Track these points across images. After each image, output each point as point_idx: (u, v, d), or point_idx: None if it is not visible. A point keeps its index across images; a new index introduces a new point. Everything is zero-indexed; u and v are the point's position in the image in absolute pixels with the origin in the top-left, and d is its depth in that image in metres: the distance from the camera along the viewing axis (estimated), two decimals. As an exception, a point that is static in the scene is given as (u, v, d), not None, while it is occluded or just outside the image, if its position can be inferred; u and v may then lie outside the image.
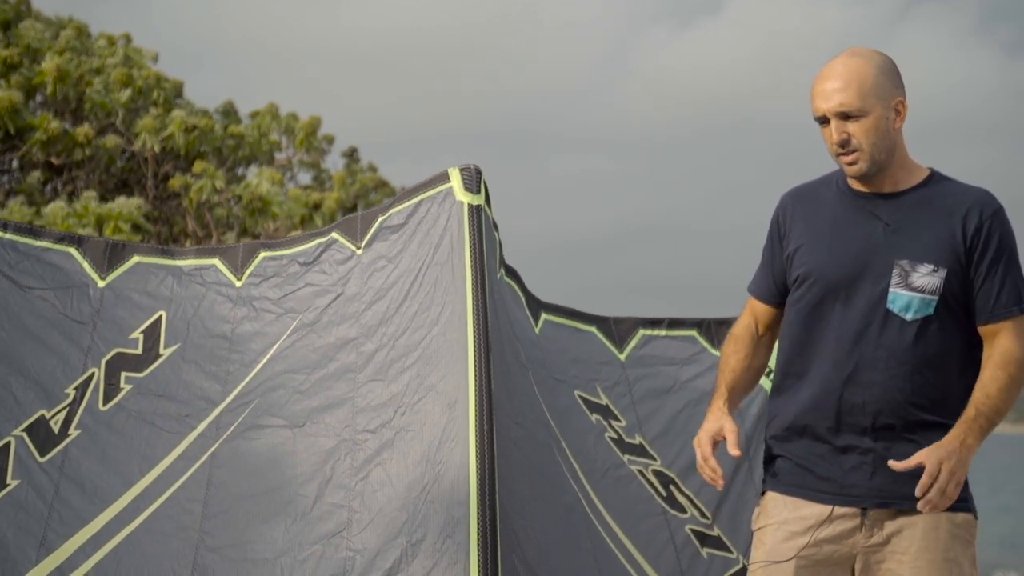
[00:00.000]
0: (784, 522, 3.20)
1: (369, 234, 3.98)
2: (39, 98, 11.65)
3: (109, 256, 4.09)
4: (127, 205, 9.89)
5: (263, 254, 4.11)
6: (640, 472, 4.39)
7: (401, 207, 3.94)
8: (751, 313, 3.47)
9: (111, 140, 11.29)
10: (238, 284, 4.09)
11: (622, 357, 4.65)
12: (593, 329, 4.64)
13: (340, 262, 4.00)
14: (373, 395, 3.74)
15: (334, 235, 4.04)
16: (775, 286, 3.39)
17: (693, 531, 4.31)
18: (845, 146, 3.14)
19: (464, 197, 3.80)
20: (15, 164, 11.45)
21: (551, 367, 4.36)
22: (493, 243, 3.96)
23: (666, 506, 4.33)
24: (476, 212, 3.78)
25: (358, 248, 3.99)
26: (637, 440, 4.47)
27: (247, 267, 4.11)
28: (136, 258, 4.11)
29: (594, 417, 4.42)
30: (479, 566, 3.36)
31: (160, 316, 4.03)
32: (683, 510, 4.34)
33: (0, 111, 10.52)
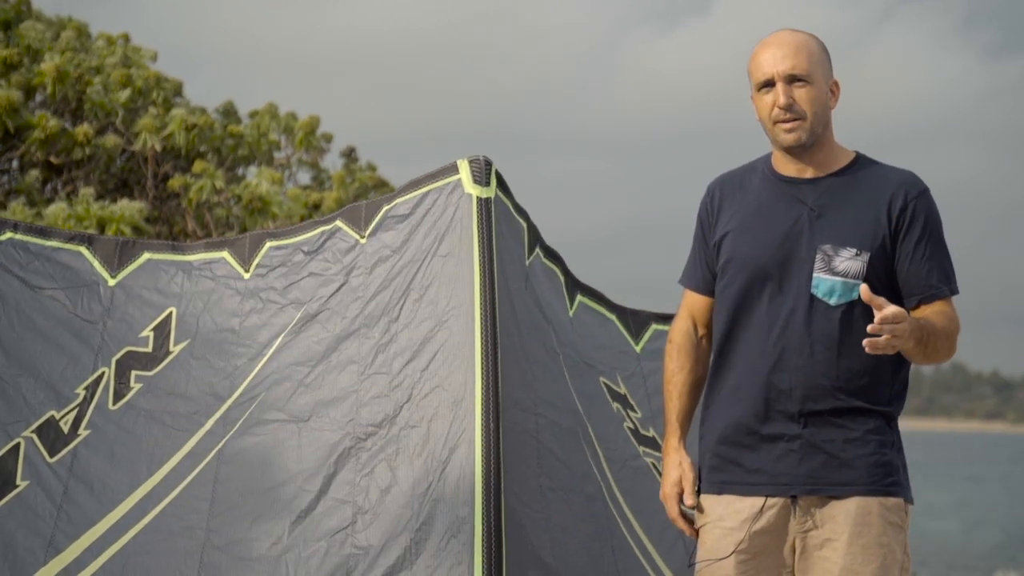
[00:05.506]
0: (720, 519, 3.17)
1: (373, 223, 3.90)
2: (39, 98, 11.61)
3: (120, 254, 4.04)
4: (129, 208, 9.84)
5: (269, 243, 4.04)
6: (653, 465, 4.37)
7: (407, 197, 3.85)
8: (688, 313, 3.39)
9: (111, 140, 11.24)
10: (246, 276, 4.02)
11: (637, 349, 4.63)
12: (613, 317, 4.61)
13: (343, 251, 3.92)
14: (376, 388, 3.69)
15: (338, 223, 3.96)
16: (710, 275, 3.33)
17: None
18: (790, 109, 3.10)
19: (473, 190, 3.73)
20: (15, 164, 11.41)
21: (581, 350, 4.30)
22: (517, 230, 3.90)
23: None
24: (485, 205, 3.70)
25: (362, 237, 3.91)
26: (651, 433, 4.45)
27: (254, 258, 4.04)
28: (147, 255, 4.06)
29: (615, 405, 4.39)
30: (483, 568, 3.32)
31: (170, 313, 3.98)
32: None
33: (-1, 110, 10.48)
